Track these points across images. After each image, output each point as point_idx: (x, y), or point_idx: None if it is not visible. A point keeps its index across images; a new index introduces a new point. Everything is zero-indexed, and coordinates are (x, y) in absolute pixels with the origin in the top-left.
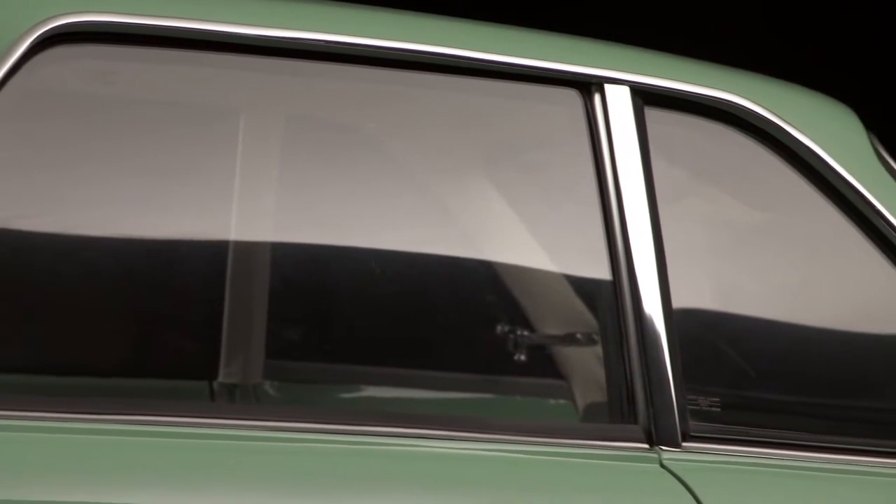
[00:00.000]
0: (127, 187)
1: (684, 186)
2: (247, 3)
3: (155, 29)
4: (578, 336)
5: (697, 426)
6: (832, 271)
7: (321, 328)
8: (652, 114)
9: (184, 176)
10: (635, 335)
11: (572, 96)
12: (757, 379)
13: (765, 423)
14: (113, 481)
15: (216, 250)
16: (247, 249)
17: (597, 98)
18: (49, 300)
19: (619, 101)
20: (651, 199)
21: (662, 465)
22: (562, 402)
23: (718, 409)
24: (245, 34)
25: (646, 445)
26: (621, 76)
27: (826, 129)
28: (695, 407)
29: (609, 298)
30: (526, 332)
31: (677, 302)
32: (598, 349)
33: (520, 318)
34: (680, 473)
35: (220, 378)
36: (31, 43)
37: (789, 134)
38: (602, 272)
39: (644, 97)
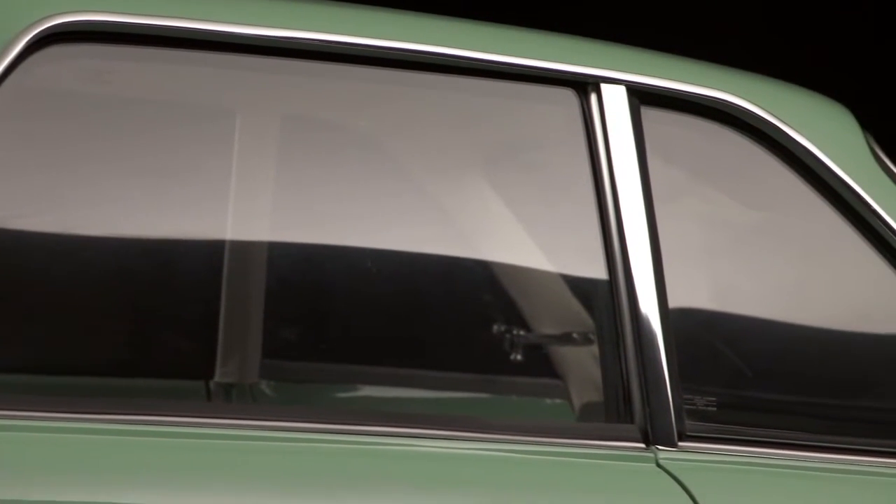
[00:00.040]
0: (123, 187)
1: (681, 186)
2: (244, 3)
3: (151, 28)
4: (575, 336)
5: (694, 426)
6: (829, 271)
7: (318, 328)
8: (648, 113)
9: (180, 176)
10: (632, 335)
11: (569, 96)
12: (753, 378)
13: (761, 423)
14: (109, 481)
15: (213, 250)
16: (243, 249)
17: (593, 98)
18: (44, 300)
19: (615, 101)
20: (647, 198)
21: (659, 465)
22: (558, 401)
23: (715, 409)
24: (242, 34)
25: (642, 445)
26: (618, 76)
27: (822, 128)
28: (691, 406)
29: (606, 298)
30: (522, 332)
31: (674, 301)
32: (595, 349)
33: (516, 317)
34: (676, 473)
35: (217, 378)
36: (28, 42)
37: (786, 134)
38: (599, 272)
39: (640, 97)
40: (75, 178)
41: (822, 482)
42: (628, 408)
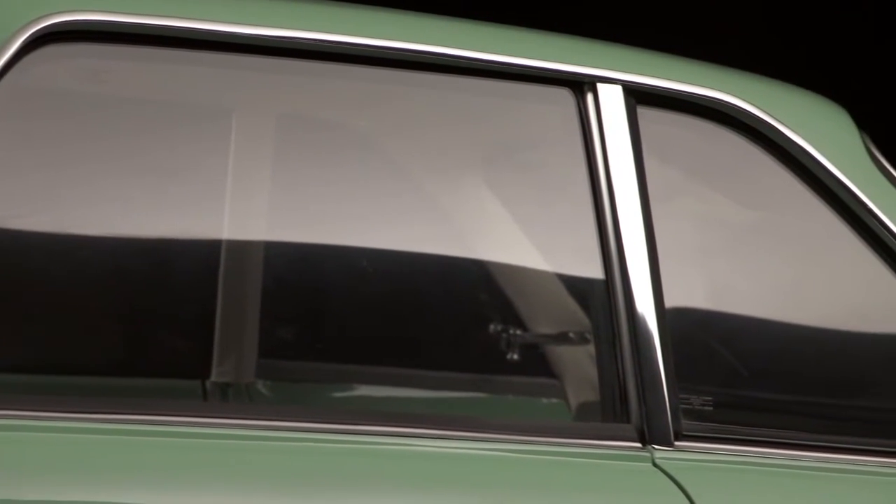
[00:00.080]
0: (119, 186)
1: (677, 185)
2: (240, 3)
3: (147, 28)
4: (571, 335)
5: (690, 425)
6: (824, 270)
7: (314, 327)
8: (644, 113)
9: (176, 175)
10: (628, 334)
11: (565, 95)
12: (749, 378)
13: (757, 423)
14: (105, 480)
15: (209, 249)
16: (239, 248)
17: (589, 97)
18: (39, 300)
19: (611, 101)
20: (644, 198)
21: (655, 465)
22: (555, 401)
23: (711, 409)
24: (238, 33)
25: (638, 444)
26: (614, 75)
27: (818, 128)
28: (687, 406)
29: (602, 297)
30: (519, 331)
31: (670, 301)
32: (591, 348)
33: (513, 317)
34: (672, 472)
35: (213, 377)
36: (24, 42)
37: (781, 133)
38: (595, 271)
39: (637, 96)
40: (71, 177)
41: (818, 481)
42: (625, 407)
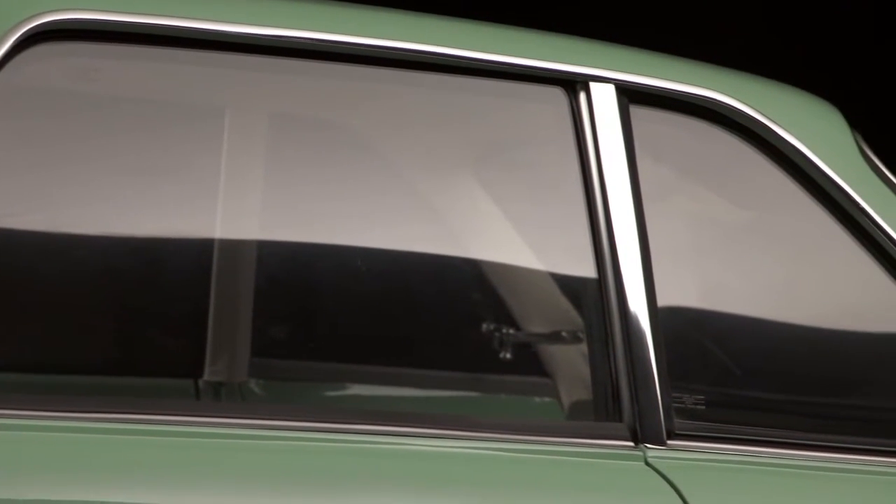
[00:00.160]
0: (111, 185)
1: (670, 185)
2: (232, 1)
3: (139, 27)
4: (564, 334)
5: (682, 424)
6: (817, 269)
7: (307, 326)
8: (637, 112)
9: (168, 174)
10: (621, 333)
11: (558, 95)
12: (742, 377)
13: (750, 421)
14: (97, 479)
15: (201, 248)
16: (232, 247)
17: (582, 96)
18: (31, 299)
19: (604, 100)
20: (636, 197)
21: (647, 463)
22: (547, 400)
23: (703, 407)
24: (230, 32)
25: (631, 443)
26: (606, 74)
27: (811, 127)
28: (680, 405)
29: (594, 296)
30: (511, 331)
31: (662, 300)
32: (584, 347)
33: (505, 316)
34: (665, 471)
35: (206, 376)
36: (16, 41)
37: (774, 132)
38: (587, 270)
39: (629, 95)
40: (63, 176)
41: (811, 480)
42: (617, 406)
